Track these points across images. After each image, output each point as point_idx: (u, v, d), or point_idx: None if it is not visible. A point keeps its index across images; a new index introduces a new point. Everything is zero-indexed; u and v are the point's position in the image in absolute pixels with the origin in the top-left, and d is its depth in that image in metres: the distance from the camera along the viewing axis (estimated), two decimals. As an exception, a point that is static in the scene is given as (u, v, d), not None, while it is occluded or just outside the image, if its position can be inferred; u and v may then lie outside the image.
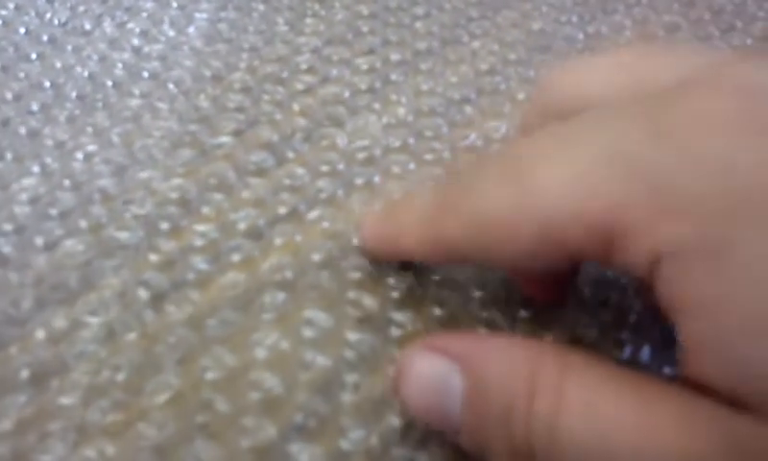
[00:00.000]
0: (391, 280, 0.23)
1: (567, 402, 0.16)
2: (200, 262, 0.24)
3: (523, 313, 0.22)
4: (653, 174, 0.15)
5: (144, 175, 0.27)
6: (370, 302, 0.22)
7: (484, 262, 0.20)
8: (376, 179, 0.27)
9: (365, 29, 0.36)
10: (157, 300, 0.22)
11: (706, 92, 0.16)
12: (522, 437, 0.16)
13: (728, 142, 0.15)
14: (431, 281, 0.23)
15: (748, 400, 0.14)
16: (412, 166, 0.28)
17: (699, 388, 0.15)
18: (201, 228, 0.25)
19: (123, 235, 0.25)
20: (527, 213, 0.17)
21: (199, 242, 0.24)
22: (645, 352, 0.21)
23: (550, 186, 0.16)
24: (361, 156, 0.28)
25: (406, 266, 0.23)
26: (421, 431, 0.19)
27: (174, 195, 0.26)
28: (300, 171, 0.27)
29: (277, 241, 0.24)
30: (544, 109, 0.21)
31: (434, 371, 0.18)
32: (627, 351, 0.21)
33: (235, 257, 0.24)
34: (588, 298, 0.23)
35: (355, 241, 0.24)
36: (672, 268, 0.15)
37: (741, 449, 0.14)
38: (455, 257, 0.20)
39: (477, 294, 0.23)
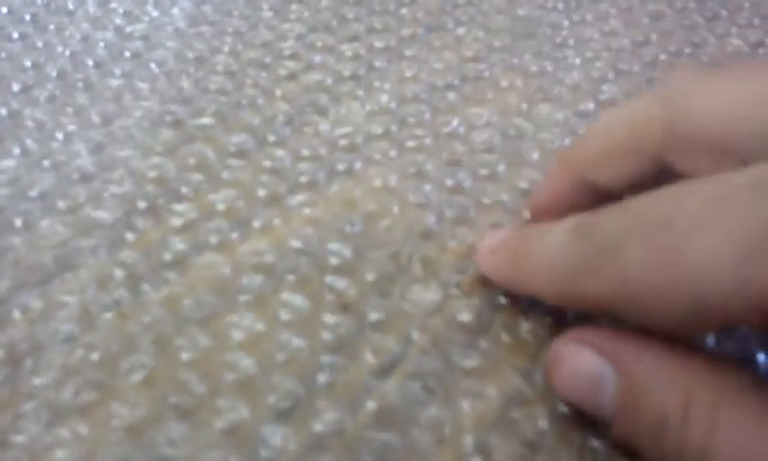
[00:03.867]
0: (369, 266, 0.23)
1: (721, 436, 0.16)
2: (177, 243, 0.24)
3: (502, 300, 0.22)
4: None
5: (123, 153, 0.27)
6: (348, 287, 0.22)
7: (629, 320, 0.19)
8: (358, 165, 0.27)
9: (350, 15, 0.36)
10: (134, 280, 0.22)
11: None
12: (674, 454, 0.17)
13: None
14: (412, 268, 0.23)
15: None
16: (393, 153, 0.28)
17: None
18: (179, 208, 0.25)
19: (101, 215, 0.24)
20: (682, 286, 0.16)
21: (177, 222, 0.24)
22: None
23: (708, 259, 0.16)
24: (343, 142, 0.28)
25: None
26: (398, 416, 0.19)
27: (152, 174, 0.26)
28: (282, 154, 0.27)
29: (256, 224, 0.24)
30: (680, 134, 0.19)
31: (588, 367, 0.18)
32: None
33: (213, 239, 0.24)
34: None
35: (335, 226, 0.24)
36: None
37: None
38: (596, 313, 0.20)
39: (457, 277, 0.23)
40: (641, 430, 0.17)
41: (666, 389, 0.17)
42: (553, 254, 0.20)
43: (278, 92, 0.31)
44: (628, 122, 0.21)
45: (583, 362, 0.19)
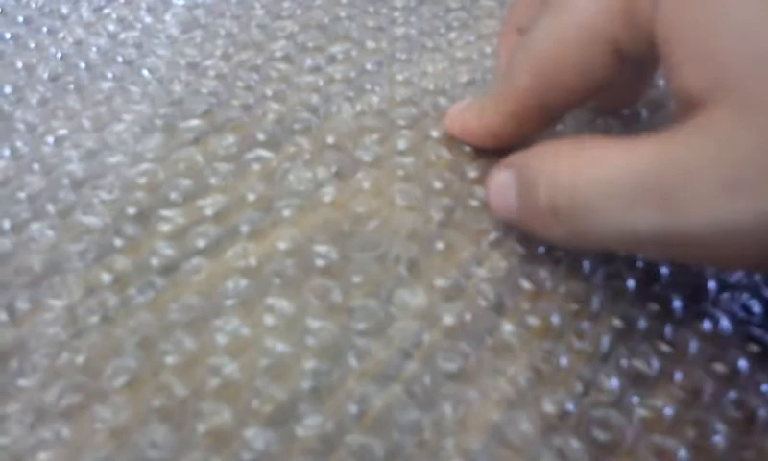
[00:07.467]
0: (356, 268, 0.23)
1: (579, 173, 0.21)
2: (165, 248, 0.24)
3: (483, 303, 0.22)
4: None
5: (113, 160, 0.27)
6: (333, 290, 0.23)
7: (560, 99, 0.25)
8: (347, 167, 0.27)
9: (342, 14, 0.36)
10: (121, 285, 0.23)
11: None
12: (548, 208, 0.21)
13: None
14: (398, 271, 0.23)
15: (716, 95, 0.18)
16: (383, 155, 0.28)
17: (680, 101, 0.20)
18: (168, 213, 0.25)
19: (90, 220, 0.25)
20: (569, 30, 0.23)
21: (165, 228, 0.24)
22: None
23: (580, 7, 0.22)
24: (332, 143, 0.28)
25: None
26: (380, 420, 0.19)
27: (142, 180, 0.26)
28: (271, 157, 0.27)
29: (244, 229, 0.25)
30: None
31: (501, 181, 0.24)
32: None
33: (201, 244, 0.24)
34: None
35: (322, 228, 0.24)
36: (669, 8, 0.20)
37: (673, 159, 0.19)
38: (531, 105, 0.25)
39: (439, 283, 0.23)
40: (530, 203, 0.22)
41: (539, 159, 0.22)
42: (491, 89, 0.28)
43: (269, 93, 0.31)
44: None
45: (498, 180, 0.24)
